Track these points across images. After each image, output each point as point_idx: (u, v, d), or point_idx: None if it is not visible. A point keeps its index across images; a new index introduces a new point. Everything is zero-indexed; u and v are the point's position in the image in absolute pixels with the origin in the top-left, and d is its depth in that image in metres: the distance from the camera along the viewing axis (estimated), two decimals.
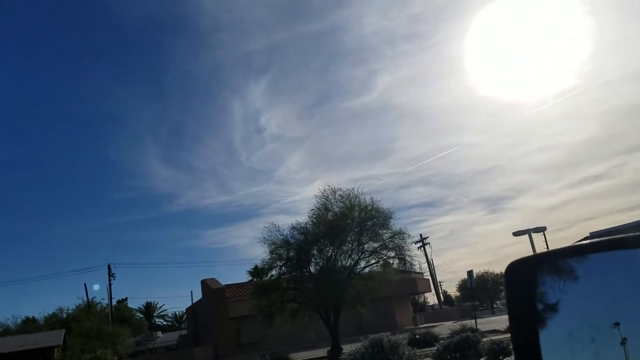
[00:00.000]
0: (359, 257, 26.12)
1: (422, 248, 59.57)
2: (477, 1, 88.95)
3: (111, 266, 48.34)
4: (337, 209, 26.24)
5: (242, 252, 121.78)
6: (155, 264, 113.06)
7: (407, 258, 26.50)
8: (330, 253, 26.06)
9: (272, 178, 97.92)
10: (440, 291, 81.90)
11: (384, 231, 25.95)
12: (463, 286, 74.03)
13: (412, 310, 52.78)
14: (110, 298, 48.71)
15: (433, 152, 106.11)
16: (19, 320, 52.80)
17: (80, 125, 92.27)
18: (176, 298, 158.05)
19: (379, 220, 25.76)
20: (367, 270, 26.64)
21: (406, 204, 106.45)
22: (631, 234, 1.81)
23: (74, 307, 50.84)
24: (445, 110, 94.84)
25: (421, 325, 44.10)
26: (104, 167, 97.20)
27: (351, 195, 26.08)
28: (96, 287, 51.92)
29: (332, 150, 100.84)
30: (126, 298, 76.06)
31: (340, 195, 26.25)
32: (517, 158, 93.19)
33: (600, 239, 1.95)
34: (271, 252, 26.02)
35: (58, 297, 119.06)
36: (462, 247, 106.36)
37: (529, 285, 1.96)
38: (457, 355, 16.63)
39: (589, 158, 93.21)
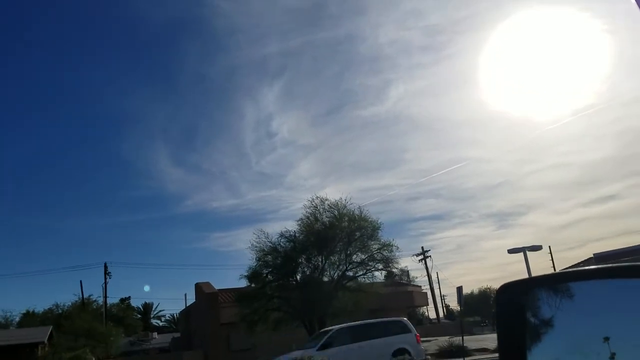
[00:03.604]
0: (347, 267, 25.71)
1: (422, 261, 58.78)
2: (494, 16, 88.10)
3: (107, 265, 48.31)
4: (326, 219, 25.90)
5: (248, 257, 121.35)
6: (156, 265, 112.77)
7: (395, 270, 25.94)
8: (318, 263, 25.68)
9: (282, 184, 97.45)
10: (443, 305, 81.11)
11: (372, 242, 25.57)
12: (465, 301, 73.01)
13: None
14: (105, 297, 48.61)
15: (444, 164, 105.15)
16: (16, 314, 52.93)
17: (94, 123, 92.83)
18: (176, 300, 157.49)
19: (368, 232, 25.35)
20: (354, 281, 26.17)
21: (415, 216, 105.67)
22: (615, 265, 1.87)
23: (70, 304, 50.89)
24: (458, 124, 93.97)
25: None
26: (116, 166, 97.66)
27: (340, 205, 25.74)
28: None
29: (342, 158, 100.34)
30: (129, 297, 76.46)
31: (329, 204, 25.92)
32: (529, 175, 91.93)
33: (586, 267, 2.01)
34: (258, 260, 25.70)
35: (60, 293, 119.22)
36: (469, 262, 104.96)
37: (519, 308, 2.02)
38: None
39: (602, 178, 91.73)
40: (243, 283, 27.77)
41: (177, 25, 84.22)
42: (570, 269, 1.84)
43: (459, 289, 33.03)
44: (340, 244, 25.32)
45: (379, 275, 26.75)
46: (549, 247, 72.18)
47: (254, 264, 25.74)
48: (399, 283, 50.66)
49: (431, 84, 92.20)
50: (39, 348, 28.03)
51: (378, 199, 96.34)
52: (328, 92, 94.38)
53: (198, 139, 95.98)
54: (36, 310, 54.46)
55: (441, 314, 78.70)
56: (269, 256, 25.71)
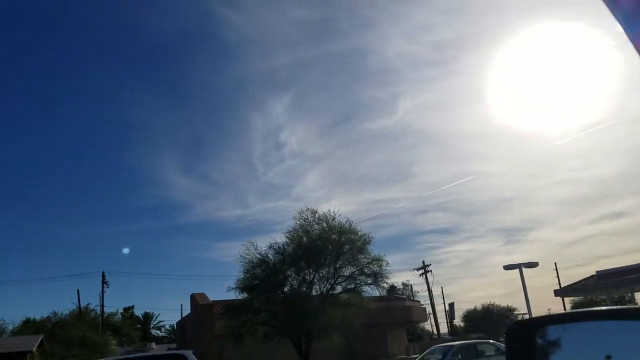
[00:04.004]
0: (335, 281, 25.25)
1: (423, 275, 58.01)
2: (503, 32, 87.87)
3: (105, 274, 48.21)
4: (315, 231, 25.52)
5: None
6: (158, 275, 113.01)
7: (384, 285, 25.45)
8: (306, 276, 25.25)
9: (289, 195, 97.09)
10: (447, 320, 79.87)
11: (362, 256, 25.11)
12: (468, 317, 72.00)
13: (407, 339, 51.18)
14: (102, 306, 48.49)
15: (452, 178, 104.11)
16: (9, 322, 52.73)
17: (102, 131, 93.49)
18: (177, 310, 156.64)
19: (357, 245, 24.93)
20: (344, 295, 25.70)
21: (422, 229, 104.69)
22: (627, 307, 2.14)
23: (68, 312, 50.72)
24: (466, 137, 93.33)
25: (413, 355, 42.63)
26: (123, 174, 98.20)
27: (329, 217, 25.36)
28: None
29: (350, 170, 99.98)
30: (132, 306, 76.39)
31: (318, 217, 25.55)
32: (537, 190, 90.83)
33: (598, 308, 2.39)
34: (246, 272, 25.32)
35: (61, 301, 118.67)
36: (476, 277, 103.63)
37: (529, 345, 2.07)
38: None
39: (611, 194, 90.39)
40: (236, 295, 27.38)
41: (187, 37, 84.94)
42: (582, 310, 2.26)
43: (451, 305, 32.47)
44: (329, 257, 24.90)
45: (377, 290, 26.13)
46: (555, 263, 71.21)
47: (242, 276, 25.37)
48: (397, 298, 50.10)
49: (440, 98, 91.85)
50: (27, 357, 27.76)
51: (385, 212, 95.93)
52: (337, 104, 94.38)
53: (206, 149, 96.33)
54: (37, 318, 54.44)
55: (445, 330, 77.74)
56: (257, 268, 25.32)
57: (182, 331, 47.56)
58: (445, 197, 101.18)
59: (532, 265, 32.93)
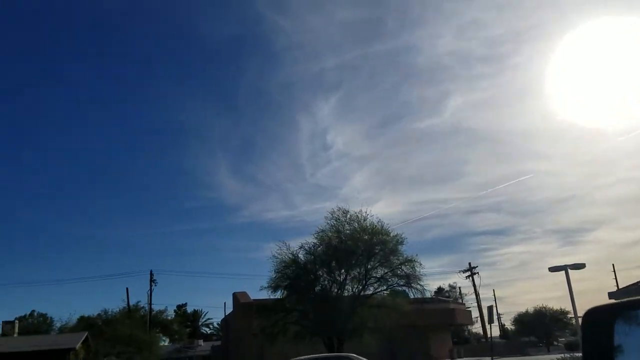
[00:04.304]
0: (366, 282, 24.84)
1: (470, 277, 56.40)
2: (559, 26, 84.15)
3: (153, 272, 49.48)
4: (347, 231, 25.19)
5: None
6: (209, 274, 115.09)
7: (418, 287, 24.77)
8: (337, 276, 24.98)
9: (336, 196, 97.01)
10: (499, 324, 77.46)
11: (394, 257, 24.56)
12: (519, 320, 69.64)
13: (452, 341, 49.91)
14: (150, 304, 49.76)
15: (505, 178, 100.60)
16: (74, 318, 54.96)
17: (157, 135, 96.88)
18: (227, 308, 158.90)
19: (389, 246, 24.42)
20: (377, 296, 25.25)
21: (474, 231, 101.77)
22: None
23: (117, 310, 52.41)
24: (520, 135, 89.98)
25: (458, 359, 41.59)
26: (177, 176, 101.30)
27: (360, 217, 24.96)
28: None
29: (398, 171, 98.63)
30: (185, 304, 78.26)
31: (350, 217, 25.21)
32: (597, 189, 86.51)
33: None
34: (277, 271, 25.29)
35: (114, 299, 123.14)
36: (532, 279, 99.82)
37: (606, 333, 1.99)
38: None
39: None
40: (268, 294, 27.40)
41: (238, 42, 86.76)
42: None
43: (489, 308, 31.33)
44: (361, 257, 24.52)
45: (410, 292, 25.49)
46: (612, 265, 67.82)
47: (274, 276, 25.37)
48: (440, 300, 48.94)
49: (492, 95, 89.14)
50: (70, 354, 28.75)
51: (435, 213, 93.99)
52: (384, 104, 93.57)
53: (255, 151, 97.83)
54: (91, 315, 56.53)
55: (495, 333, 75.44)
56: (288, 268, 25.25)
57: (226, 329, 48.25)
58: (498, 197, 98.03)
59: (579, 266, 31.30)
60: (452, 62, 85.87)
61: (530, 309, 67.82)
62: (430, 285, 76.77)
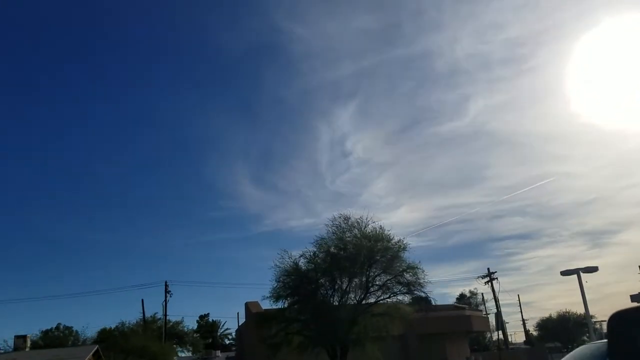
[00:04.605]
0: (368, 290, 24.31)
1: (489, 283, 54.99)
2: (579, 25, 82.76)
3: (168, 283, 49.54)
4: (348, 238, 24.73)
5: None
6: (227, 284, 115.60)
7: (421, 294, 24.15)
8: (338, 285, 24.51)
9: (357, 202, 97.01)
10: (525, 330, 75.57)
11: (396, 264, 24.00)
12: (542, 325, 67.90)
13: (470, 349, 48.72)
14: (165, 315, 49.76)
15: (529, 181, 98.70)
16: (95, 331, 55.36)
17: (179, 146, 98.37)
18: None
19: (391, 252, 23.89)
20: (378, 304, 24.69)
21: (499, 235, 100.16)
22: None
23: (134, 322, 52.62)
24: (543, 138, 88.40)
25: None
26: (200, 187, 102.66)
27: (362, 224, 24.49)
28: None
29: (419, 176, 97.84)
30: (207, 314, 78.25)
31: (351, 223, 24.75)
32: (623, 190, 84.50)
33: None
34: (278, 280, 24.96)
35: (132, 310, 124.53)
36: (559, 284, 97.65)
37: (632, 336, 1.99)
38: None
39: None
40: (270, 304, 27.05)
41: (256, 52, 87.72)
42: None
43: (497, 315, 30.36)
44: (362, 264, 24.01)
45: (405, 298, 24.85)
46: (639, 267, 65.76)
47: (275, 285, 25.03)
48: (456, 307, 47.91)
49: (513, 98, 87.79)
50: None
51: (457, 218, 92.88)
52: (403, 110, 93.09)
53: (276, 160, 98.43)
54: (111, 327, 56.84)
55: (521, 339, 73.62)
56: (289, 277, 24.89)
57: (239, 339, 48.04)
58: (522, 200, 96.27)
59: (592, 270, 30.28)
60: (471, 65, 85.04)
61: (554, 314, 66.05)
62: (453, 292, 75.64)
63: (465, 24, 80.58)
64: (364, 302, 24.29)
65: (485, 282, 53.77)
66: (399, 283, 24.05)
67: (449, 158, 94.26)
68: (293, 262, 25.17)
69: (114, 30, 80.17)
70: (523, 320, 74.81)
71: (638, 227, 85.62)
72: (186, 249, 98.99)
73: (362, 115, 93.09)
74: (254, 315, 40.49)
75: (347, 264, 23.84)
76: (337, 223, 24.97)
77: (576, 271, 28.87)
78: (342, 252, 24.02)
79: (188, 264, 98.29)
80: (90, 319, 71.02)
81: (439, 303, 53.94)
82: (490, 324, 49.36)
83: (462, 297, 74.73)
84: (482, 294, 68.65)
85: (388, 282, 24.05)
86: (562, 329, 63.25)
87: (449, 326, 40.65)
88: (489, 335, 61.54)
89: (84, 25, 79.04)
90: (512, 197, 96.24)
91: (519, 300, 71.30)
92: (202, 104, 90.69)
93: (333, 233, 24.96)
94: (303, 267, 24.95)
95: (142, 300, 56.62)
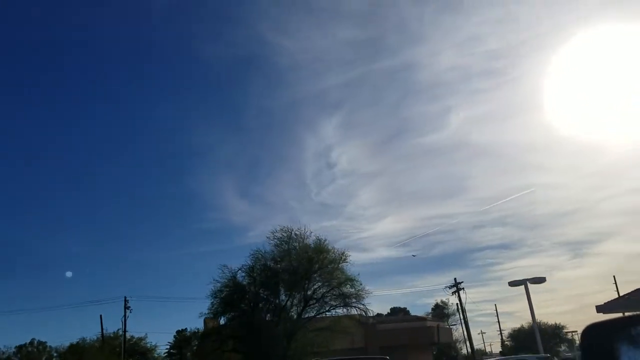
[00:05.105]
0: (307, 304, 23.55)
1: (456, 294, 54.51)
2: (556, 38, 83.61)
3: (127, 299, 48.27)
4: (287, 250, 24.00)
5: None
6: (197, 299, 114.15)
7: (360, 307, 23.42)
8: (277, 299, 23.75)
9: (342, 214, 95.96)
10: (502, 340, 75.25)
11: (337, 275, 23.31)
12: (514, 336, 67.68)
13: None
14: (125, 331, 48.39)
15: (510, 191, 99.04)
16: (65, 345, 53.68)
17: (164, 159, 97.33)
18: None
19: (328, 264, 23.21)
20: (318, 319, 23.95)
21: (480, 245, 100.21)
22: None
23: (95, 337, 51.17)
24: (524, 149, 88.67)
25: None
26: (184, 199, 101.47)
27: (301, 236, 23.79)
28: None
29: (403, 186, 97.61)
30: (185, 329, 76.67)
31: (290, 236, 24.03)
32: (603, 200, 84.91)
33: None
34: (214, 296, 24.03)
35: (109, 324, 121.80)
36: (541, 293, 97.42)
37: (607, 350, 1.95)
38: None
39: None
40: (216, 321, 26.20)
41: (243, 64, 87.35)
42: None
43: (465, 324, 29.73)
44: (300, 277, 23.28)
45: (345, 311, 24.14)
46: (614, 277, 65.86)
47: (212, 301, 24.15)
48: (418, 318, 47.27)
49: (493, 109, 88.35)
50: None
51: (439, 228, 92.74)
52: (387, 121, 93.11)
53: (261, 171, 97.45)
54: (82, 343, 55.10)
55: (496, 349, 73.26)
56: (227, 292, 24.04)
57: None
58: (503, 211, 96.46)
59: (539, 280, 30.03)
60: (452, 77, 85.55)
61: (525, 325, 65.78)
62: (433, 302, 75.15)
63: (446, 37, 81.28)
64: (303, 316, 23.50)
65: (452, 293, 53.25)
66: (337, 296, 23.33)
67: (432, 169, 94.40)
68: (232, 275, 24.36)
69: (99, 42, 79.42)
70: (500, 330, 74.55)
71: (619, 238, 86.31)
72: (169, 262, 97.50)
73: (347, 126, 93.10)
74: (211, 330, 39.60)
75: (285, 277, 23.12)
76: (278, 235, 24.27)
77: (524, 282, 28.61)
78: (279, 265, 23.29)
79: (171, 277, 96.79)
80: (66, 334, 68.92)
81: (417, 314, 53.54)
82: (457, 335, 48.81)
83: (437, 308, 74.35)
84: (457, 304, 68.35)
85: (326, 294, 23.30)
86: (533, 340, 62.73)
87: (411, 338, 39.95)
88: (461, 347, 61.08)
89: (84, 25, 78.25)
90: (492, 208, 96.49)
91: (496, 310, 71.03)
92: (186, 116, 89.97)
93: (275, 246, 24.24)
94: (241, 281, 24.16)
95: (101, 316, 54.66)
